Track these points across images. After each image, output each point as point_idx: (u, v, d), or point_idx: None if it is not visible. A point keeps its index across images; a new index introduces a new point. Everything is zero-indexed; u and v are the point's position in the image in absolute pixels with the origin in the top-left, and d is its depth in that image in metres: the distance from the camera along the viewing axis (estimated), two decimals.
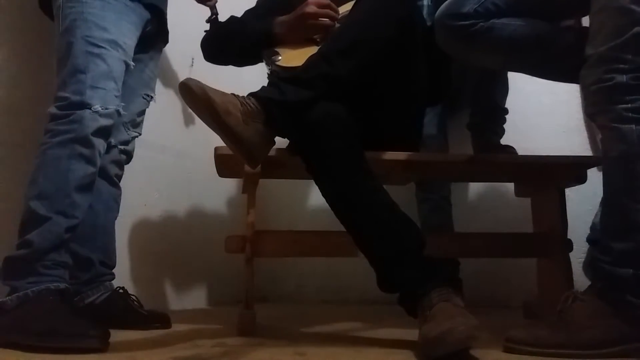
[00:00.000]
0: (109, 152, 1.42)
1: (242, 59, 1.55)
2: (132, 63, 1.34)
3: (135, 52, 1.43)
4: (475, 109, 1.86)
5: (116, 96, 1.28)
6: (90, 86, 1.22)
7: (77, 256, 1.35)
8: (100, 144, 1.24)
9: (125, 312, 1.36)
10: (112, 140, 1.42)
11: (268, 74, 1.43)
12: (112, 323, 1.30)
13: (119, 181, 1.47)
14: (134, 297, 1.42)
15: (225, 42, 1.50)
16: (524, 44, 1.22)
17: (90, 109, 1.20)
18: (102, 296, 1.36)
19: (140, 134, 1.53)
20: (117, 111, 1.27)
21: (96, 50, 1.25)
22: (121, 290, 1.41)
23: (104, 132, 1.24)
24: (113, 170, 1.44)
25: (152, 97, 1.55)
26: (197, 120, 1.08)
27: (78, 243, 1.35)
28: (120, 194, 1.47)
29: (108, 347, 1.03)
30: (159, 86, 1.92)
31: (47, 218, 1.14)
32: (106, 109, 1.23)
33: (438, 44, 1.29)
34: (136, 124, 1.51)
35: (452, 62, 1.72)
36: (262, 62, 1.45)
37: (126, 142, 1.47)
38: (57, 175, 1.17)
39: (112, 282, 1.41)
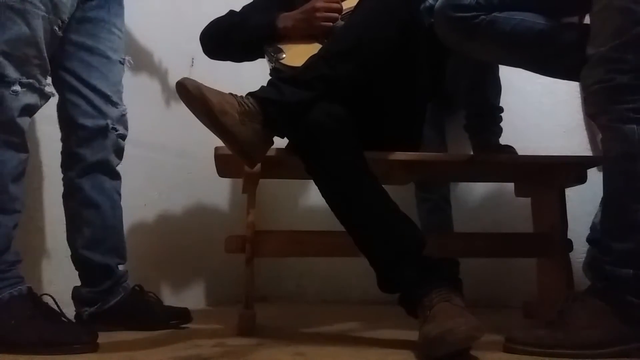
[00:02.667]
0: (106, 138, 1.30)
1: (243, 54, 1.53)
2: (60, 21, 1.12)
3: (91, 8, 1.27)
4: (470, 110, 1.85)
5: (37, 65, 1.08)
6: (2, 52, 1.03)
7: (90, 263, 1.30)
8: (25, 123, 1.08)
9: (144, 310, 1.33)
10: (109, 122, 1.30)
11: (271, 70, 1.43)
12: (132, 323, 1.29)
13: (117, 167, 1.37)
14: (151, 294, 1.39)
15: (226, 36, 1.48)
16: (525, 40, 1.21)
17: (5, 83, 1.03)
18: (121, 299, 1.32)
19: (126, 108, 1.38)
20: (41, 90, 1.08)
21: (19, 4, 1.04)
22: (137, 288, 1.37)
23: (29, 110, 1.08)
24: (114, 161, 1.34)
25: (125, 59, 1.38)
26: (197, 120, 1.08)
27: (88, 249, 1.29)
28: (121, 183, 1.38)
29: (98, 348, 1.03)
30: (158, 86, 1.93)
31: None
32: (26, 82, 1.06)
33: (437, 35, 1.28)
34: (120, 95, 1.35)
35: (447, 59, 1.72)
36: (263, 58, 1.45)
37: (120, 119, 1.33)
38: None
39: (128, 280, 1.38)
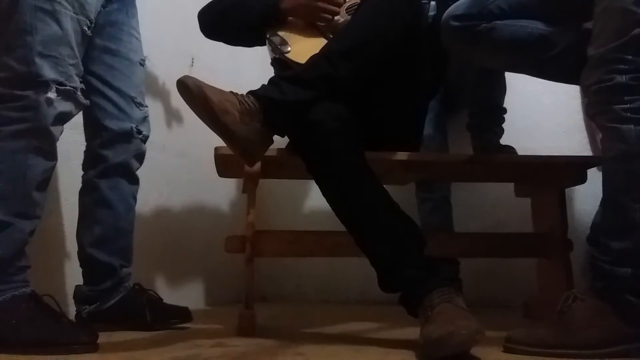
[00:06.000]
0: (130, 142, 1.31)
1: (242, 35, 1.50)
2: (88, 21, 1.13)
3: (112, 11, 1.29)
4: (474, 109, 1.86)
5: (72, 65, 1.08)
6: (38, 53, 1.04)
7: (94, 261, 1.30)
8: (58, 131, 1.09)
9: (144, 309, 1.32)
10: (133, 125, 1.32)
11: (272, 59, 1.42)
12: (131, 322, 1.29)
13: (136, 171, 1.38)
14: (151, 292, 1.38)
15: (227, 14, 1.45)
16: (525, 45, 1.23)
17: (42, 85, 1.03)
18: (121, 298, 1.32)
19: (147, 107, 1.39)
20: (73, 91, 1.08)
21: (48, 5, 1.06)
22: (137, 287, 1.36)
23: (63, 118, 1.09)
24: (135, 165, 1.35)
25: (144, 60, 1.41)
26: (197, 119, 1.08)
27: (96, 247, 1.30)
28: (138, 188, 1.39)
29: (98, 348, 1.03)
30: (157, 86, 1.93)
31: (7, 224, 1.02)
32: (62, 84, 1.06)
33: (444, 44, 1.30)
34: (143, 96, 1.38)
35: (448, 60, 1.72)
36: (260, 46, 1.44)
37: (144, 121, 1.35)
38: (13, 172, 1.03)
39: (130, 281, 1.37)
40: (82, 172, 1.36)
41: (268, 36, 1.37)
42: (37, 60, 1.04)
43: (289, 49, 1.31)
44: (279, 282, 2.25)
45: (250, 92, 1.08)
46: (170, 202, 1.92)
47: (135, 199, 1.39)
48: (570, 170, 1.52)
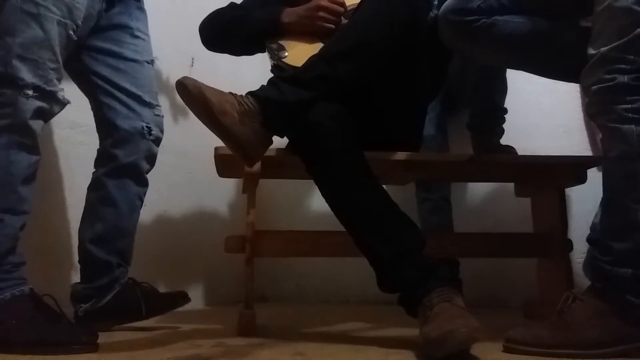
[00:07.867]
0: (140, 142, 1.31)
1: (244, 47, 1.52)
2: (75, 26, 1.13)
3: (114, 15, 1.30)
4: (475, 109, 1.86)
5: (52, 69, 1.09)
6: (17, 55, 1.05)
7: (92, 258, 1.30)
8: (39, 126, 1.09)
9: (139, 301, 1.31)
10: (144, 124, 1.32)
11: (272, 66, 1.42)
12: (128, 316, 1.29)
13: (146, 174, 1.37)
14: (145, 284, 1.38)
15: (228, 28, 1.46)
16: (524, 42, 1.22)
17: (19, 86, 1.04)
18: (116, 294, 1.31)
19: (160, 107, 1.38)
20: (53, 93, 1.09)
21: (33, 8, 1.06)
22: (131, 281, 1.35)
23: (43, 113, 1.10)
24: (145, 166, 1.35)
25: (153, 60, 1.41)
26: (197, 119, 1.08)
27: (95, 244, 1.30)
28: (146, 190, 1.39)
29: (98, 348, 1.03)
30: (158, 86, 1.93)
31: None
32: (40, 88, 1.07)
33: (441, 39, 1.29)
34: (154, 95, 1.37)
35: (449, 60, 1.72)
36: (262, 53, 1.44)
37: (155, 120, 1.34)
38: None
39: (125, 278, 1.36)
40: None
41: (267, 43, 1.38)
42: (15, 62, 1.05)
43: (286, 54, 1.32)
44: (279, 282, 2.25)
45: (250, 93, 1.08)
46: (170, 202, 1.92)
47: (141, 200, 1.38)
48: (570, 170, 1.52)
